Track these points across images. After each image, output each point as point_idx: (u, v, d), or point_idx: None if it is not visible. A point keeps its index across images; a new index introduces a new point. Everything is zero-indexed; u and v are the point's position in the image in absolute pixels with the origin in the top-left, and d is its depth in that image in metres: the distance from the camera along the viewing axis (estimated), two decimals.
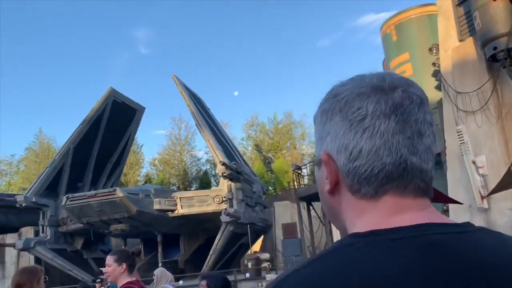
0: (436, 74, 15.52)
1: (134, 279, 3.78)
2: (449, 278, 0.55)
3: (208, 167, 45.40)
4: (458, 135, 11.88)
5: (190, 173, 44.40)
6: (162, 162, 44.39)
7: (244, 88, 73.41)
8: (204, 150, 45.73)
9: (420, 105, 0.66)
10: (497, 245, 0.60)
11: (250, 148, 45.43)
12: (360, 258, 0.57)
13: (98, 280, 16.22)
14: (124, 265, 3.71)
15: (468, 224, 0.63)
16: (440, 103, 14.96)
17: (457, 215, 12.51)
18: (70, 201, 20.96)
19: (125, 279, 3.68)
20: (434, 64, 14.70)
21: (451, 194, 12.03)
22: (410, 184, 0.64)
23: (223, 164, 21.38)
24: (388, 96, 0.65)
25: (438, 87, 15.63)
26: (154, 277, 5.68)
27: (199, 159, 46.29)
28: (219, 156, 21.97)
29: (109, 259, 3.75)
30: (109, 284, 6.52)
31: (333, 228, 21.53)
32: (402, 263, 0.56)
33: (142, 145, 45.27)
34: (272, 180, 39.10)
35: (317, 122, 0.72)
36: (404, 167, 0.63)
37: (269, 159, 43.58)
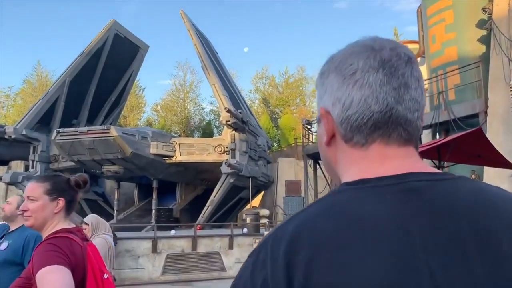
0: (482, 24, 13.42)
1: (73, 225, 2.16)
2: (424, 218, 0.62)
3: (212, 117, 43.57)
4: (511, 91, 10.01)
5: (192, 121, 42.62)
6: (165, 108, 42.46)
7: (255, 45, 70.15)
8: (208, 100, 44.11)
9: (407, 61, 0.72)
10: (471, 191, 0.66)
11: (257, 101, 43.12)
12: (347, 200, 0.66)
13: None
14: (62, 201, 2.08)
15: (446, 173, 0.70)
16: (483, 57, 12.99)
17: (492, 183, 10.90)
18: (61, 136, 19.42)
19: (59, 225, 2.06)
20: (484, 9, 12.57)
21: None
22: (393, 133, 0.70)
23: (228, 110, 19.63)
24: (377, 53, 0.72)
25: (482, 40, 13.58)
26: (86, 226, 4.22)
27: (203, 108, 44.41)
28: (224, 102, 20.20)
29: (35, 188, 2.09)
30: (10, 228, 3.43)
31: None
32: (385, 205, 0.64)
33: (144, 88, 43.33)
34: (278, 136, 37.36)
35: (318, 84, 0.80)
36: (390, 116, 0.70)
37: (276, 115, 41.53)
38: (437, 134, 13.48)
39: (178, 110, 42.11)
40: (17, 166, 25.13)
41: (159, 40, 66.71)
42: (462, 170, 12.09)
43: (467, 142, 6.87)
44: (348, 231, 0.62)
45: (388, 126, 0.70)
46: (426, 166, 0.72)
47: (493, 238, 0.62)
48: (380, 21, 69.57)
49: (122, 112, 36.39)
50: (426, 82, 15.24)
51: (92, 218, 4.44)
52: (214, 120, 43.27)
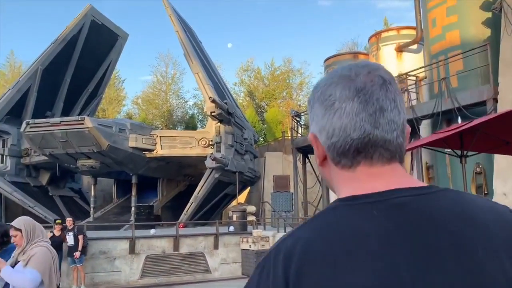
0: (486, 5, 12.52)
1: None
2: (407, 232, 0.68)
3: (195, 111, 42.04)
4: None
5: (175, 115, 41.00)
6: (146, 101, 40.74)
7: (239, 39, 68.55)
8: (192, 93, 42.12)
9: (382, 85, 0.77)
10: (452, 203, 0.72)
11: (242, 94, 41.62)
12: (341, 219, 0.71)
13: (58, 220, 13.62)
14: None
15: (431, 187, 0.75)
16: (488, 40, 12.07)
17: (504, 178, 9.97)
18: (31, 127, 17.91)
19: None
20: None
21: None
22: (375, 154, 0.76)
23: (213, 100, 18.39)
24: (352, 82, 0.77)
25: (487, 23, 12.67)
26: (17, 232, 3.05)
27: (186, 102, 42.70)
28: (208, 91, 18.95)
29: None
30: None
31: None
32: (372, 221, 0.69)
33: (124, 80, 41.47)
34: (264, 131, 36.12)
35: (308, 111, 0.87)
36: (368, 140, 0.75)
37: (262, 108, 40.25)
38: (439, 124, 12.54)
39: (159, 103, 40.46)
40: None
41: (140, 32, 64.80)
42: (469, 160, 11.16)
43: (496, 127, 5.84)
44: (336, 248, 0.67)
45: (368, 149, 0.75)
46: (413, 180, 0.76)
47: (469, 246, 0.67)
48: (364, 18, 69.03)
49: (101, 105, 34.78)
50: (426, 69, 14.29)
51: (24, 221, 3.20)
52: (197, 114, 41.84)
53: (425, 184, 0.76)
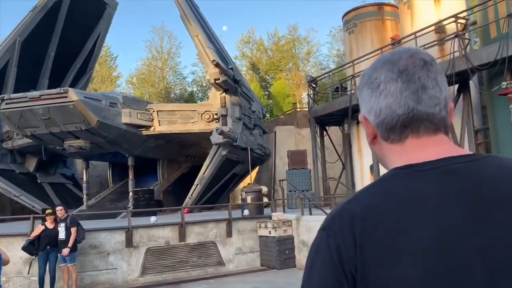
0: None
1: None
2: (463, 193, 0.77)
3: (194, 88, 39.27)
4: None
5: (173, 93, 38.28)
6: (141, 79, 37.96)
7: (236, 13, 64.41)
8: (190, 69, 38.67)
9: (423, 66, 0.85)
10: (498, 167, 0.80)
11: (244, 68, 38.68)
12: (399, 184, 0.80)
13: (48, 209, 11.27)
14: None
15: (477, 154, 0.83)
16: None
17: None
18: (6, 104, 15.38)
19: None
20: None
21: None
22: (421, 127, 0.85)
23: (217, 64, 15.83)
24: (394, 65, 0.86)
25: None
26: None
27: (184, 78, 39.87)
28: (211, 55, 16.37)
29: None
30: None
31: (355, 160, 16.77)
32: (429, 185, 0.78)
33: (116, 57, 38.58)
34: (270, 106, 33.47)
35: (358, 96, 0.96)
36: (413, 116, 0.84)
37: (267, 82, 37.50)
38: (504, 74, 10.06)
39: (155, 80, 37.67)
40: None
41: (131, 3, 60.65)
42: None
43: None
44: (399, 208, 0.76)
45: (414, 123, 0.84)
46: (459, 149, 0.85)
47: None
48: None
49: (93, 85, 32.20)
50: (478, 9, 11.72)
51: None
52: (197, 92, 39.14)
53: (470, 152, 0.84)
